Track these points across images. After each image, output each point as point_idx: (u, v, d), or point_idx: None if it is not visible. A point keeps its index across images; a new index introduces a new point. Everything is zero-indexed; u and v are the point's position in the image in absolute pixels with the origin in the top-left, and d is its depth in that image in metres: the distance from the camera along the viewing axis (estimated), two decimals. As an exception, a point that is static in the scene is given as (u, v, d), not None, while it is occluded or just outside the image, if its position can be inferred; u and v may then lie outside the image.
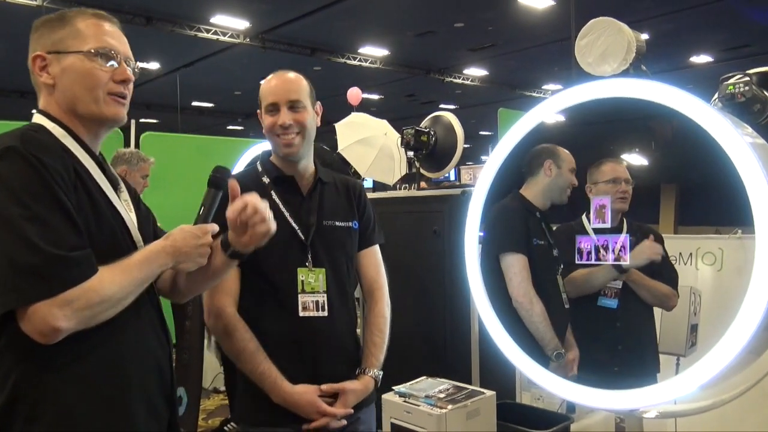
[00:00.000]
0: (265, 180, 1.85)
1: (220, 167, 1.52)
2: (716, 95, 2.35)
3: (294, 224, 1.81)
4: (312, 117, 1.86)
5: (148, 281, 1.30)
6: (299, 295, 1.78)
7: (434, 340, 3.49)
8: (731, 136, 1.40)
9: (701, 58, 14.57)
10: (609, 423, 2.18)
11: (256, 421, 1.80)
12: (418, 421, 2.27)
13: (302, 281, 1.78)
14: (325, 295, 1.81)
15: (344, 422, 1.80)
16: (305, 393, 1.74)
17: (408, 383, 2.53)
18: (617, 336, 2.12)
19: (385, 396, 2.45)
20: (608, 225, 1.86)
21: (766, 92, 2.34)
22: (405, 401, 2.35)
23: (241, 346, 1.73)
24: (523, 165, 2.23)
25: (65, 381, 1.20)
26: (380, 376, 1.91)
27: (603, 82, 1.67)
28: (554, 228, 2.26)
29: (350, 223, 1.92)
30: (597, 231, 1.92)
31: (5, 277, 1.11)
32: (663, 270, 2.10)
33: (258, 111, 1.88)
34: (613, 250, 1.85)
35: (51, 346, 1.14)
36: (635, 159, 2.20)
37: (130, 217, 1.37)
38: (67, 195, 1.19)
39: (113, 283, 1.20)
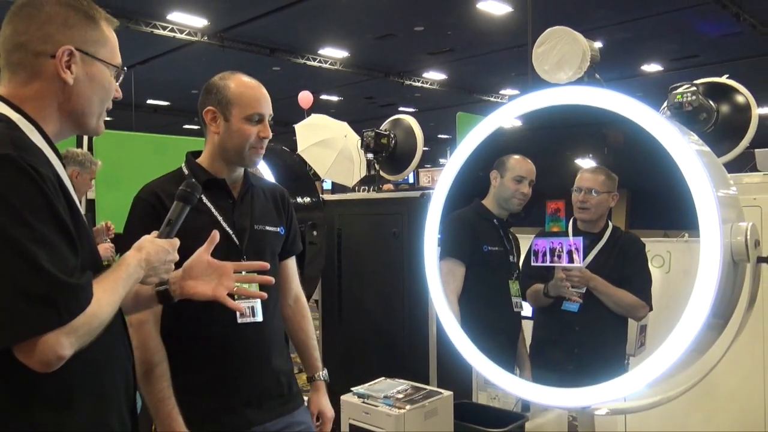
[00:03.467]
0: None
1: (190, 182, 1.49)
2: (665, 104, 2.45)
3: (228, 228, 1.78)
4: None
5: (126, 295, 1.25)
6: (237, 302, 1.74)
7: (393, 342, 3.52)
8: (679, 144, 1.46)
9: (652, 67, 15.04)
10: (562, 421, 2.24)
11: None
12: (376, 422, 2.29)
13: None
14: (259, 300, 1.79)
15: None
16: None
17: (366, 384, 2.55)
18: (575, 339, 2.17)
19: (343, 397, 2.46)
20: (563, 228, 1.92)
21: (712, 102, 2.45)
22: (363, 402, 2.37)
23: (148, 368, 1.66)
24: None
25: (48, 403, 1.13)
26: (327, 374, 2.05)
27: (559, 89, 1.72)
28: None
29: (278, 229, 1.92)
30: (565, 234, 1.97)
31: (14, 305, 1.03)
32: (634, 279, 2.14)
33: (212, 108, 1.79)
34: (568, 253, 1.90)
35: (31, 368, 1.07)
36: (588, 164, 2.27)
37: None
38: (61, 208, 1.12)
39: (108, 305, 1.16)
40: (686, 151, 1.44)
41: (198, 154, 1.88)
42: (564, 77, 1.72)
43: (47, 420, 1.13)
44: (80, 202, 3.50)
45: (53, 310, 1.04)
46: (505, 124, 1.94)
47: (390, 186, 6.61)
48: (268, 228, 1.87)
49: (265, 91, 1.84)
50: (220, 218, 1.78)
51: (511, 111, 1.79)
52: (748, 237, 1.42)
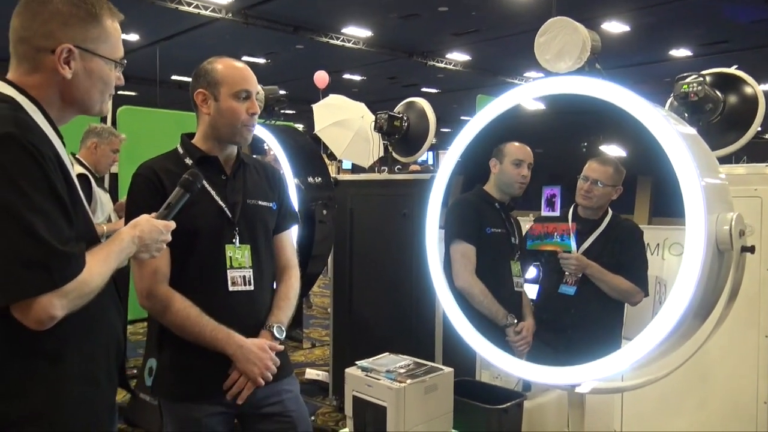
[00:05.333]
0: (188, 161, 1.89)
1: (194, 171, 1.59)
2: (672, 93, 2.47)
3: (221, 202, 1.87)
4: None
5: (117, 267, 1.36)
6: (228, 271, 1.84)
7: (401, 319, 3.60)
8: (668, 134, 1.50)
9: (680, 52, 14.77)
10: (562, 401, 2.30)
11: (178, 397, 1.85)
12: (378, 395, 2.38)
13: (230, 257, 1.85)
14: (251, 270, 1.88)
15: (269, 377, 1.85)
16: (258, 341, 1.82)
17: (370, 358, 2.64)
18: (569, 322, 2.23)
19: (348, 370, 2.55)
20: (557, 213, 1.97)
21: (719, 92, 2.46)
22: (367, 375, 2.46)
23: (183, 315, 1.77)
24: None
25: (46, 359, 1.25)
26: (281, 330, 1.93)
27: (559, 78, 1.76)
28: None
29: (270, 204, 2.00)
30: (559, 219, 2.01)
31: (12, 268, 1.14)
32: (630, 265, 2.18)
33: (202, 91, 1.89)
34: (561, 237, 1.95)
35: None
36: (613, 150, 2.29)
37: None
38: (59, 183, 1.21)
39: (99, 275, 1.27)
40: (675, 141, 1.48)
41: (192, 135, 1.97)
42: (564, 67, 1.75)
43: (43, 370, 1.25)
44: (104, 177, 3.59)
45: (47, 274, 1.16)
46: (527, 107, 1.96)
47: (416, 167, 6.65)
48: (260, 203, 1.96)
49: (250, 71, 1.92)
50: (213, 193, 1.87)
51: (508, 101, 1.83)
52: (733, 226, 1.47)
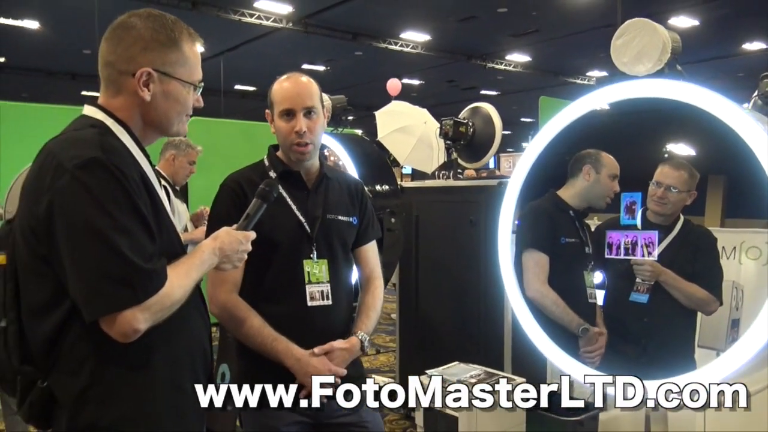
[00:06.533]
0: (272, 174, 1.92)
1: (269, 181, 1.63)
2: (756, 92, 2.35)
3: (300, 217, 1.90)
4: (323, 122, 1.94)
5: (200, 279, 1.42)
6: (307, 286, 1.86)
7: (468, 327, 3.57)
8: (759, 137, 1.43)
9: (754, 45, 14.09)
10: (639, 414, 2.23)
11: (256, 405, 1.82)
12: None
13: (308, 272, 1.87)
14: (329, 285, 1.89)
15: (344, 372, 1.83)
16: (318, 352, 1.80)
17: (441, 367, 2.62)
18: (643, 330, 2.16)
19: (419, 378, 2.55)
20: (636, 222, 1.90)
21: (807, 90, 2.33)
22: (437, 385, 2.45)
23: (248, 325, 1.80)
24: (568, 166, 2.26)
25: (134, 367, 1.32)
26: (367, 340, 1.93)
27: (637, 82, 1.70)
28: (599, 222, 2.29)
29: (351, 219, 2.00)
30: (640, 227, 1.94)
31: (98, 285, 1.21)
32: (705, 273, 2.09)
33: (267, 111, 1.94)
34: (642, 246, 1.89)
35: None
36: (682, 149, 2.20)
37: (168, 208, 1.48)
38: (142, 203, 1.28)
39: (181, 287, 1.33)
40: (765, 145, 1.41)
41: (278, 147, 2.00)
42: (643, 70, 1.69)
43: (131, 377, 1.32)
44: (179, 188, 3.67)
45: (131, 290, 1.22)
46: (597, 107, 1.89)
47: (472, 172, 6.58)
48: (340, 217, 1.97)
49: (298, 85, 1.89)
50: (294, 207, 1.90)
51: (584, 106, 1.79)
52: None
